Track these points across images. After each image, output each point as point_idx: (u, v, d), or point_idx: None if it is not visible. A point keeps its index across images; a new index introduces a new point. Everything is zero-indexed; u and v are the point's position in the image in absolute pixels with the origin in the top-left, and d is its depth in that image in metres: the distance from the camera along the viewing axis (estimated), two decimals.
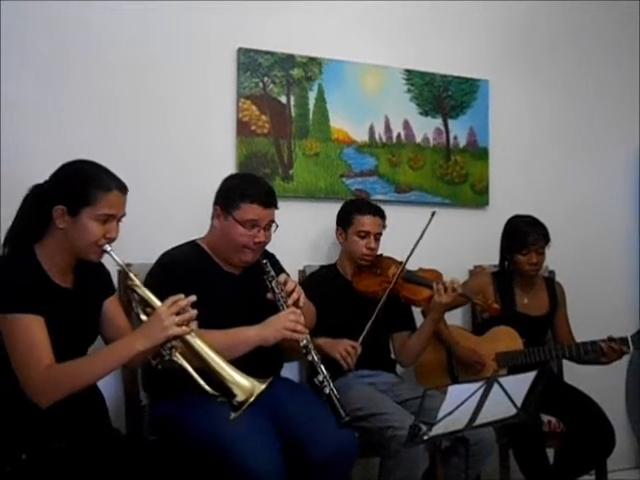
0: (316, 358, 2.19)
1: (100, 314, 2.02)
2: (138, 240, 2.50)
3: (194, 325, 1.84)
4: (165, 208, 2.69)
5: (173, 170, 2.72)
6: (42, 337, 1.77)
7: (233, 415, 1.82)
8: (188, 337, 1.84)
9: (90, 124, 2.57)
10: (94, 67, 2.59)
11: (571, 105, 3.58)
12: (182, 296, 1.83)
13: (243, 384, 1.83)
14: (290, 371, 2.67)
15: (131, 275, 1.87)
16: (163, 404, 2.25)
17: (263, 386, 1.85)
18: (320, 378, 2.16)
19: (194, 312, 1.83)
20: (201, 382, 1.83)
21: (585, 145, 3.62)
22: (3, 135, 2.42)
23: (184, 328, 1.81)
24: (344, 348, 2.47)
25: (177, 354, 1.85)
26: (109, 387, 2.27)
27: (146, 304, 1.87)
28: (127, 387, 2.43)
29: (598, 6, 3.62)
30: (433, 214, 2.64)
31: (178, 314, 1.80)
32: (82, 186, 1.85)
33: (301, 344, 2.18)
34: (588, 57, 3.62)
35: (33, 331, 1.76)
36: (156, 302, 1.85)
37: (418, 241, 2.62)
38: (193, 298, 1.83)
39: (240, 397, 1.81)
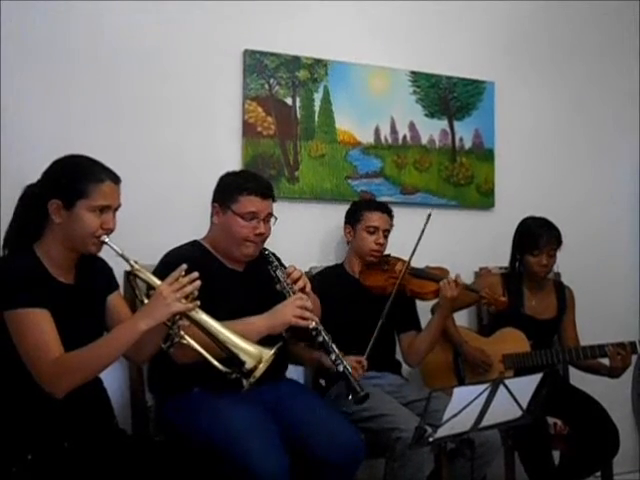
0: (327, 338, 2.20)
1: (105, 309, 2.02)
2: (143, 241, 2.50)
3: (197, 301, 1.84)
4: (171, 209, 2.69)
5: (179, 171, 2.72)
6: (50, 330, 1.78)
7: (245, 384, 1.83)
8: (192, 313, 1.84)
9: (95, 125, 2.58)
10: (99, 68, 2.59)
11: (576, 106, 3.58)
12: (183, 273, 1.84)
13: (250, 350, 1.87)
14: (295, 373, 2.67)
15: (131, 262, 1.87)
16: (168, 404, 2.25)
17: (271, 351, 1.87)
18: (333, 357, 2.19)
19: (197, 284, 1.83)
20: (213, 360, 1.85)
21: (590, 146, 3.62)
22: (4, 135, 2.41)
23: (187, 304, 1.82)
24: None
25: (186, 336, 1.86)
26: (115, 388, 2.26)
27: (149, 287, 1.88)
28: (133, 388, 2.42)
29: (602, 7, 3.61)
30: (429, 216, 2.62)
31: (179, 291, 1.80)
32: (75, 179, 1.85)
33: (310, 327, 2.19)
34: (592, 58, 3.61)
35: (41, 324, 1.77)
36: (157, 282, 1.86)
37: (420, 236, 2.61)
38: (195, 275, 1.84)
39: (249, 364, 1.84)
